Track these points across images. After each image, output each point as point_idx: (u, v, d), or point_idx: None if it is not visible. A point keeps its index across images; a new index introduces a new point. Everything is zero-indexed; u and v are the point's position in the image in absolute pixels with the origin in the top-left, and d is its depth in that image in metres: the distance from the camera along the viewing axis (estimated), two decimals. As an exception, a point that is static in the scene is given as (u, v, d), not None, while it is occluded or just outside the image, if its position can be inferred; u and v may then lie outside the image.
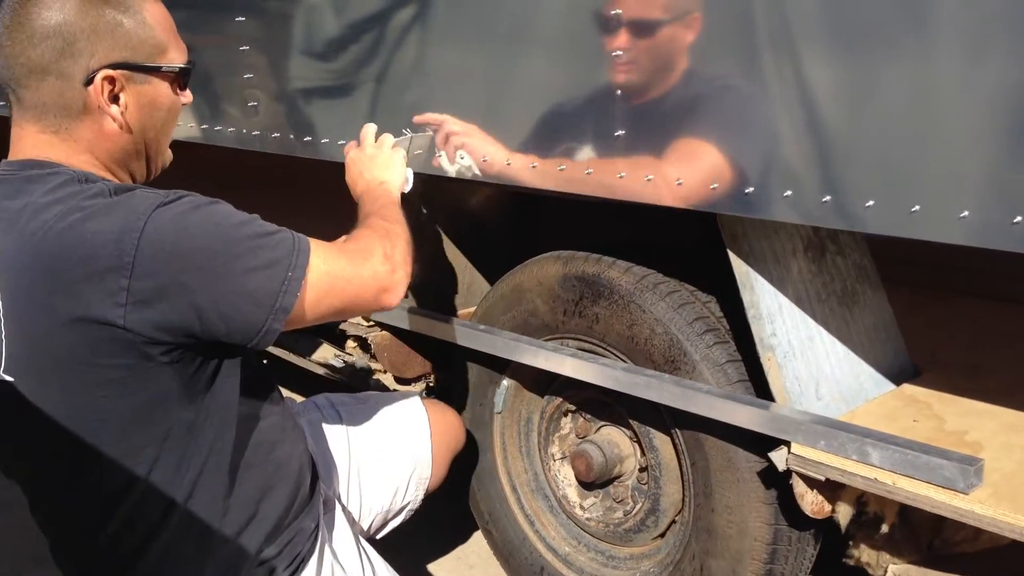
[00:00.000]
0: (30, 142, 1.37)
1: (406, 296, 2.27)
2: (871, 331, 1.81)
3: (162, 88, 1.41)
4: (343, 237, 1.59)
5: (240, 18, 2.32)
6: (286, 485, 1.51)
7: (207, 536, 1.42)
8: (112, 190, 1.32)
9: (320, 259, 1.39)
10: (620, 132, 1.62)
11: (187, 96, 1.50)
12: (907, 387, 1.78)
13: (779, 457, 1.60)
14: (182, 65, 1.43)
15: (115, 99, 1.36)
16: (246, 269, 1.30)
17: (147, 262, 1.24)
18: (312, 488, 1.59)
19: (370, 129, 1.87)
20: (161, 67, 1.40)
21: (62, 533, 1.47)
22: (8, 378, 1.34)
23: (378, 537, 1.91)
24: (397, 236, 1.56)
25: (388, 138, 1.84)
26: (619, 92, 1.60)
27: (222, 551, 1.44)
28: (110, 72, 1.33)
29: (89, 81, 1.33)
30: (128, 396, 1.31)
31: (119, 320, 1.24)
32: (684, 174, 1.55)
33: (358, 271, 1.44)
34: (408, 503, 1.94)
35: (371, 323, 2.38)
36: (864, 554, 1.78)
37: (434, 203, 2.26)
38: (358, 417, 1.92)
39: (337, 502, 1.69)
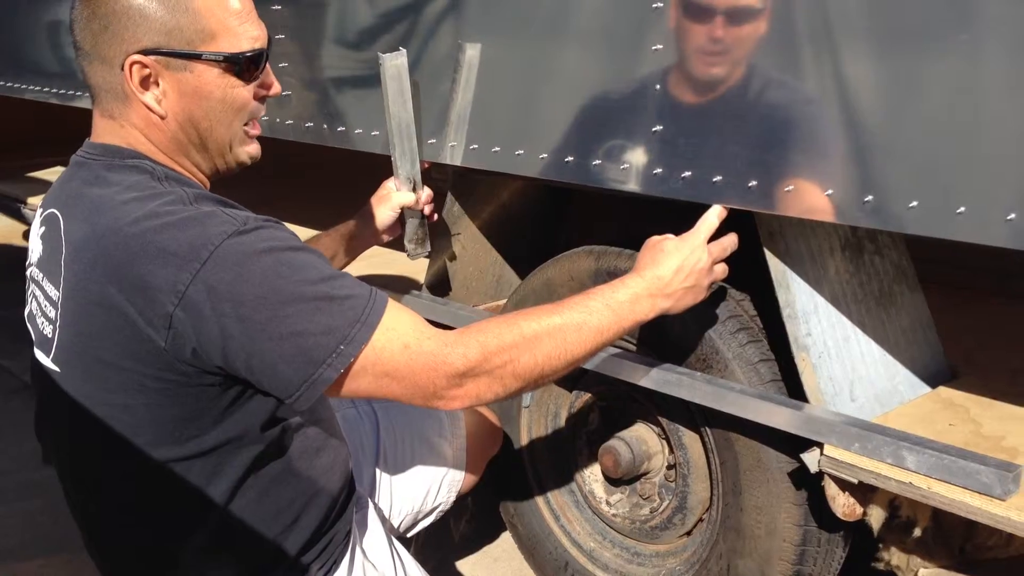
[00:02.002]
0: (100, 125, 1.38)
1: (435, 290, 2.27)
2: (907, 332, 1.78)
3: (208, 76, 1.33)
4: (515, 312, 1.42)
5: (276, 6, 2.32)
6: (327, 494, 1.48)
7: (242, 544, 1.40)
8: (192, 198, 1.28)
9: (387, 336, 1.27)
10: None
11: (268, 87, 1.42)
12: (943, 390, 1.75)
13: (811, 459, 1.58)
14: (228, 52, 1.33)
15: (152, 86, 1.33)
16: (294, 332, 1.22)
17: (198, 295, 1.20)
18: (349, 491, 1.57)
19: (708, 225, 1.57)
20: (201, 54, 1.32)
21: (93, 529, 1.47)
22: (55, 368, 1.34)
23: (408, 536, 1.91)
24: (524, 362, 1.34)
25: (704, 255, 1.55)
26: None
27: (257, 558, 1.42)
28: (140, 58, 1.30)
29: (123, 66, 1.31)
30: (166, 407, 1.29)
31: (161, 341, 1.23)
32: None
33: (419, 370, 1.29)
34: (440, 504, 1.93)
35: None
36: (895, 557, 1.76)
37: (467, 194, 2.26)
38: (394, 415, 1.90)
39: (369, 500, 1.69)
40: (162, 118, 1.35)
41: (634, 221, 2.14)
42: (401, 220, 2.01)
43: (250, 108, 1.40)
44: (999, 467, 1.38)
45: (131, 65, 1.30)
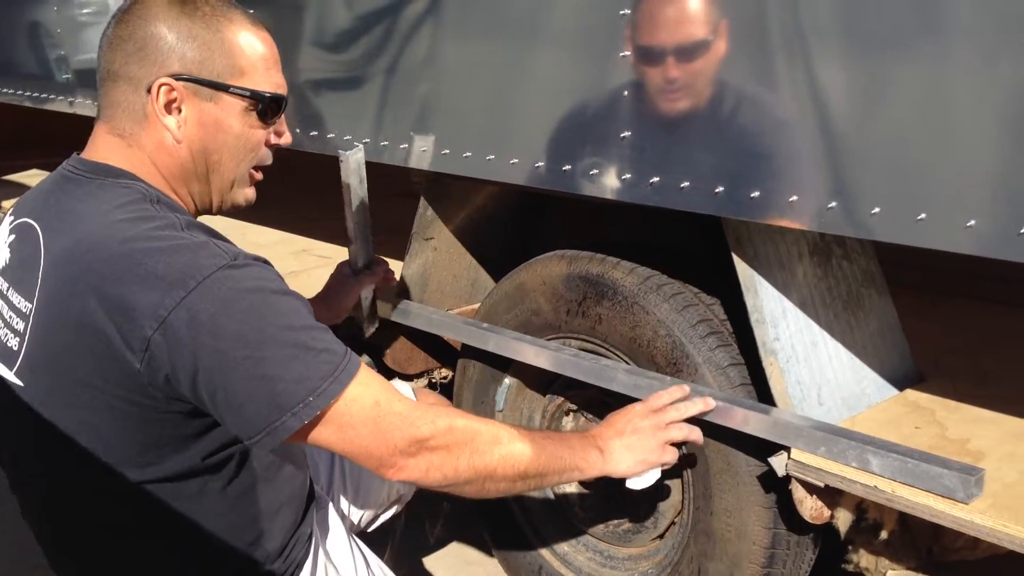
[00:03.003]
0: (101, 142, 1.39)
1: (404, 296, 2.27)
2: (875, 336, 1.80)
3: (231, 109, 1.37)
4: (469, 418, 1.43)
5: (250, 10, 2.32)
6: (291, 502, 1.48)
7: (208, 564, 1.40)
8: (184, 225, 1.29)
9: (359, 391, 1.27)
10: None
11: (279, 135, 1.45)
12: (910, 393, 1.77)
13: (779, 462, 1.59)
14: (255, 89, 1.38)
15: (174, 111, 1.35)
16: (267, 375, 1.22)
17: (179, 322, 1.20)
18: (310, 494, 1.57)
19: (665, 398, 1.65)
20: (229, 87, 1.36)
21: (48, 545, 1.45)
22: (17, 381, 1.33)
23: (369, 531, 1.90)
24: (482, 453, 1.36)
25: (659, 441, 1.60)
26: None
27: (225, 572, 1.42)
28: (169, 81, 1.33)
29: (150, 88, 1.33)
30: (131, 431, 1.28)
31: (137, 363, 1.21)
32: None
33: (385, 428, 1.29)
34: (400, 497, 1.93)
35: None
36: (863, 559, 1.77)
37: (441, 199, 2.26)
38: None
39: (329, 500, 1.69)
40: (177, 142, 1.36)
41: (608, 225, 2.16)
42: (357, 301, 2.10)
43: (260, 153, 1.44)
44: (962, 471, 1.40)
45: (159, 87, 1.33)
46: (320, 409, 1.24)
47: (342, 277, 2.04)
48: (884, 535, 1.64)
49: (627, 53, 1.61)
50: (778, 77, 1.44)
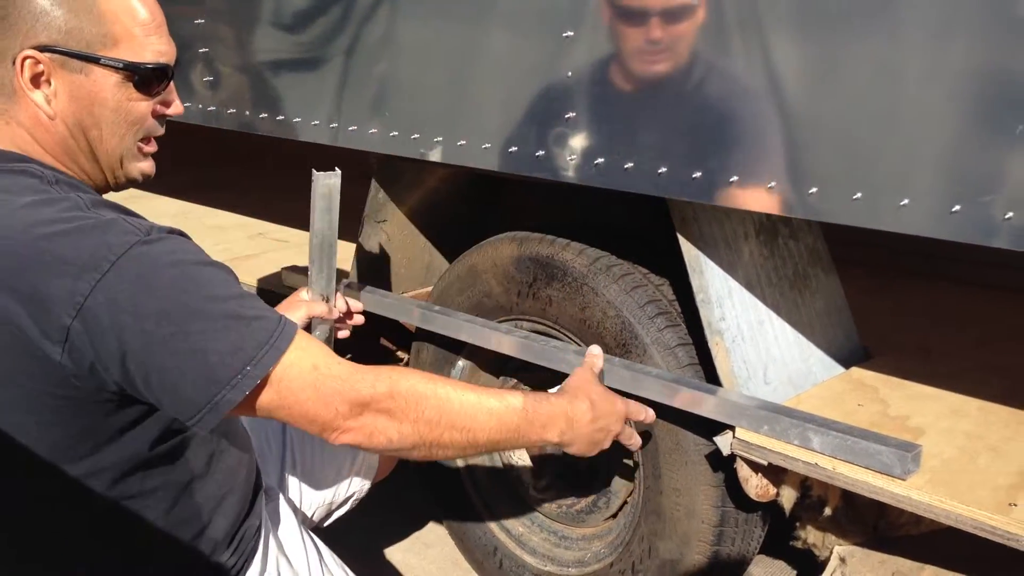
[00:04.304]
0: None
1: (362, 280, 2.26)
2: (822, 315, 1.81)
3: (104, 82, 1.28)
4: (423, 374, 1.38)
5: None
6: (235, 493, 1.46)
7: (156, 558, 1.37)
8: (89, 204, 1.23)
9: (297, 355, 1.23)
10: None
11: (166, 105, 1.37)
12: (856, 371, 1.79)
13: (724, 441, 1.60)
14: (129, 61, 1.28)
15: (43, 84, 1.28)
16: (197, 349, 1.17)
17: (97, 307, 1.15)
18: (257, 485, 1.56)
19: (635, 410, 1.64)
20: (99, 58, 1.27)
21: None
22: None
23: (324, 526, 1.89)
24: (428, 419, 1.32)
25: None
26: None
27: (170, 568, 1.39)
28: (32, 53, 1.25)
29: (15, 60, 1.26)
30: (59, 426, 1.24)
31: (56, 355, 1.17)
32: None
33: (326, 392, 1.26)
34: (353, 493, 1.91)
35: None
36: (810, 535, 1.79)
37: (392, 182, 2.25)
38: None
39: (280, 492, 1.67)
40: (51, 119, 1.29)
41: (558, 207, 2.15)
42: (308, 328, 1.91)
43: (146, 125, 1.35)
44: (899, 447, 1.41)
45: (23, 60, 1.25)
46: (259, 379, 1.20)
47: (294, 301, 1.90)
48: (828, 512, 1.66)
49: (570, 33, 1.60)
50: (719, 59, 1.44)
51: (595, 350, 1.71)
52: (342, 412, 1.27)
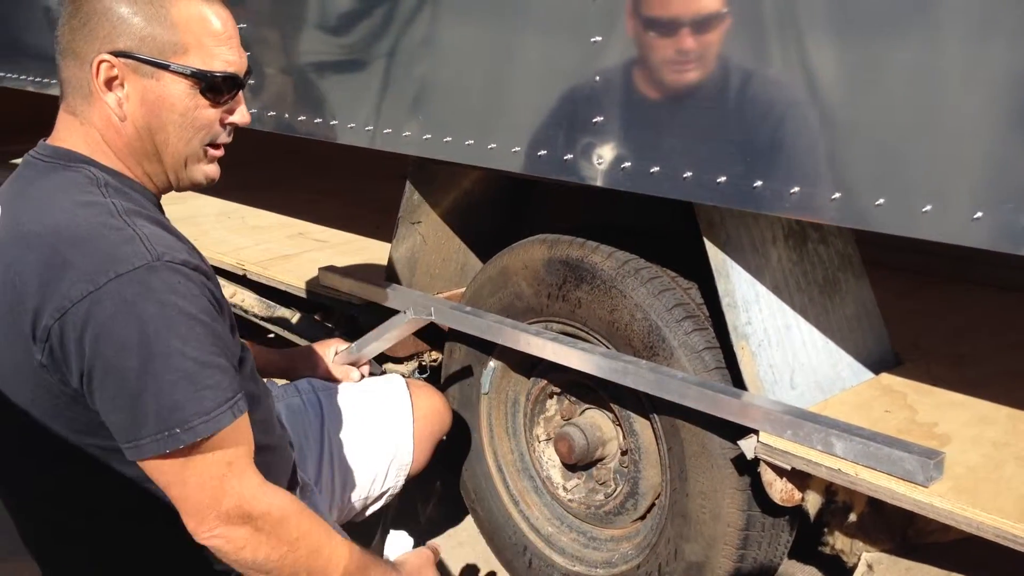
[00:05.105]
0: (60, 123, 1.40)
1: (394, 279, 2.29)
2: (852, 320, 1.80)
3: (174, 88, 1.34)
4: (288, 501, 1.36)
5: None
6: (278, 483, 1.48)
7: (182, 546, 1.39)
8: (122, 211, 1.29)
9: (221, 441, 1.25)
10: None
11: (236, 113, 1.41)
12: (885, 376, 1.77)
13: (748, 445, 1.61)
14: (197, 68, 1.34)
15: (116, 88, 1.34)
16: (139, 391, 1.21)
17: (76, 317, 1.21)
18: (292, 483, 1.59)
19: None
20: (169, 65, 1.33)
21: (30, 536, 1.49)
22: None
23: (358, 522, 1.93)
24: (296, 559, 1.32)
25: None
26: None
27: (204, 559, 1.41)
28: (108, 58, 1.31)
29: (92, 64, 1.33)
30: (64, 417, 1.30)
31: (38, 355, 1.25)
32: None
33: (225, 490, 1.27)
34: (388, 488, 1.94)
35: (360, 301, 2.40)
36: (838, 541, 1.79)
37: (427, 183, 2.28)
38: (338, 401, 1.92)
39: (315, 488, 1.71)
40: (121, 120, 1.35)
41: (591, 209, 2.17)
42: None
43: (213, 131, 1.40)
44: (922, 454, 1.41)
45: (99, 64, 1.32)
46: (184, 444, 1.22)
47: (325, 347, 2.06)
48: (854, 517, 1.65)
49: (598, 39, 1.61)
50: (743, 66, 1.45)
51: (436, 543, 1.70)
52: (225, 511, 1.27)
